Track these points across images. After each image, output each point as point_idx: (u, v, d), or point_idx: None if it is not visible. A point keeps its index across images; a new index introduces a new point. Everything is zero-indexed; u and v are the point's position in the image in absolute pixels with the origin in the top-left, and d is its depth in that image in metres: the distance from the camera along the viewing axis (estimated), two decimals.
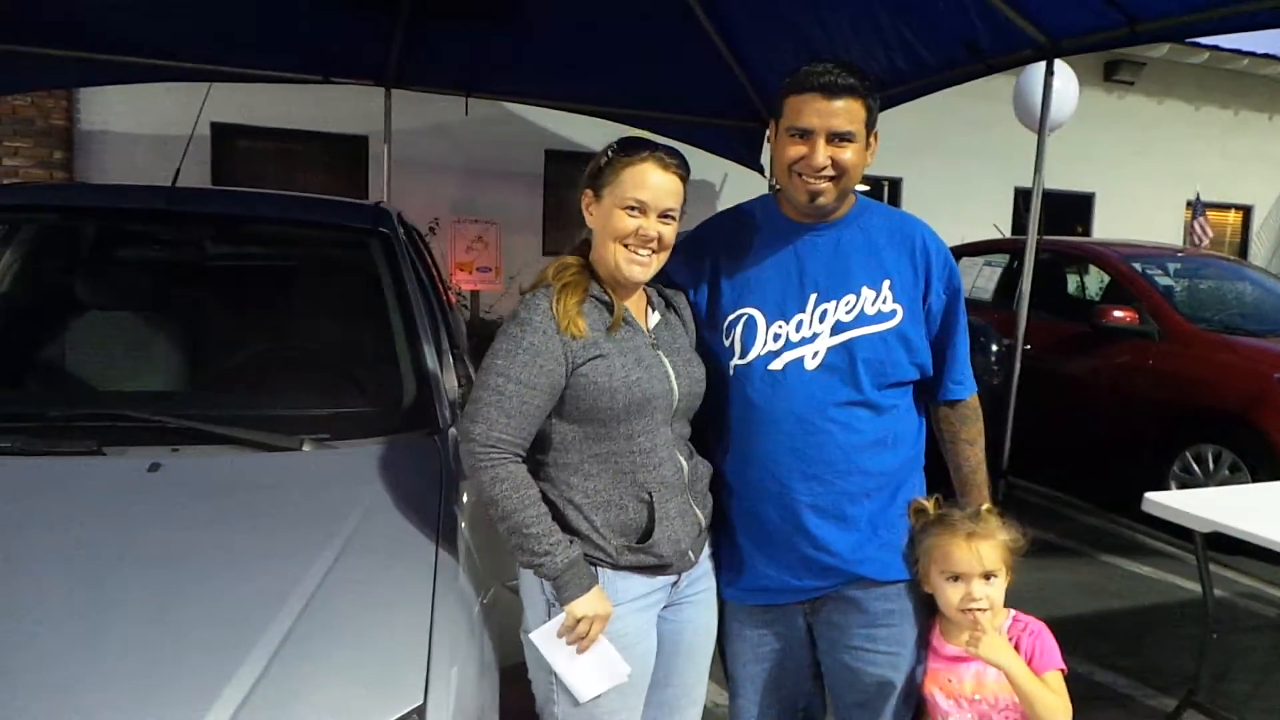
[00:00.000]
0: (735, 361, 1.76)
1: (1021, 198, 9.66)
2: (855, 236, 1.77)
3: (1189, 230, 9.87)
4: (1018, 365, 4.62)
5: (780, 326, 1.74)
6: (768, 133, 1.77)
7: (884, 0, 4.67)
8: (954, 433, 1.86)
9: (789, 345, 1.72)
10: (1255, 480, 4.28)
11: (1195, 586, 2.77)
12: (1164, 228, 10.32)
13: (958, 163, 9.77)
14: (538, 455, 1.65)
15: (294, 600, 1.48)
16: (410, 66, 5.90)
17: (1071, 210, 10.69)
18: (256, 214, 2.76)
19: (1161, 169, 11.07)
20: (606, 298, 1.65)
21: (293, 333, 2.47)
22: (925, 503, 1.75)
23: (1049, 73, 4.57)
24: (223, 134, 7.57)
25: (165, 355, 2.36)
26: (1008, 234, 8.68)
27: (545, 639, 1.61)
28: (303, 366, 2.33)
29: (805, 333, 1.72)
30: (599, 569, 1.62)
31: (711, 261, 1.83)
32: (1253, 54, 11.05)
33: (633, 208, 1.61)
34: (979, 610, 1.65)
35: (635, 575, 1.65)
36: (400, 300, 2.38)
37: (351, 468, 1.90)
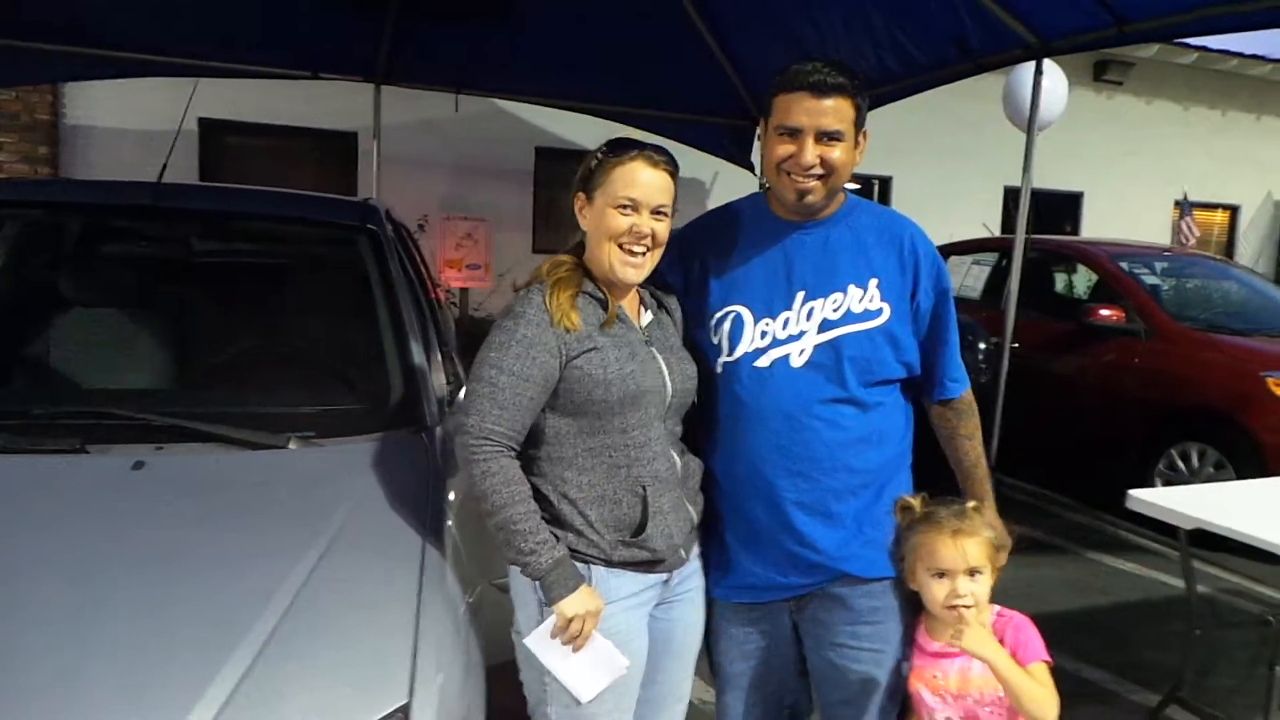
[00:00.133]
0: (723, 359, 1.76)
1: (1011, 197, 9.69)
2: (843, 235, 1.78)
3: (1175, 230, 9.93)
4: (1006, 363, 4.64)
5: (768, 324, 1.74)
6: (758, 131, 1.77)
7: (878, 3, 4.67)
8: (952, 429, 1.87)
9: (776, 343, 1.73)
10: (1240, 478, 4.31)
11: (1180, 583, 2.79)
12: (1152, 227, 10.38)
13: (947, 162, 9.80)
14: (530, 450, 1.65)
15: (279, 599, 1.47)
16: (400, 62, 5.87)
17: (1060, 209, 10.74)
18: (243, 210, 2.74)
19: (1150, 169, 11.13)
20: (600, 294, 1.66)
21: (279, 330, 2.46)
22: (911, 500, 1.75)
23: (1038, 72, 4.58)
24: (211, 130, 7.53)
25: (150, 352, 2.35)
26: (997, 233, 8.70)
27: (539, 642, 1.60)
28: (289, 364, 2.32)
29: (792, 330, 1.73)
30: (592, 567, 1.63)
31: (700, 259, 1.83)
32: (1241, 55, 11.12)
33: (625, 206, 1.62)
34: (964, 607, 1.66)
35: (628, 573, 1.65)
36: (388, 297, 2.38)
37: (338, 465, 1.89)
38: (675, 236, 1.75)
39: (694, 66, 5.93)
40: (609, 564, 1.63)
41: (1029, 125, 4.68)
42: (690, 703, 1.88)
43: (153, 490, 1.75)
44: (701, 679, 1.93)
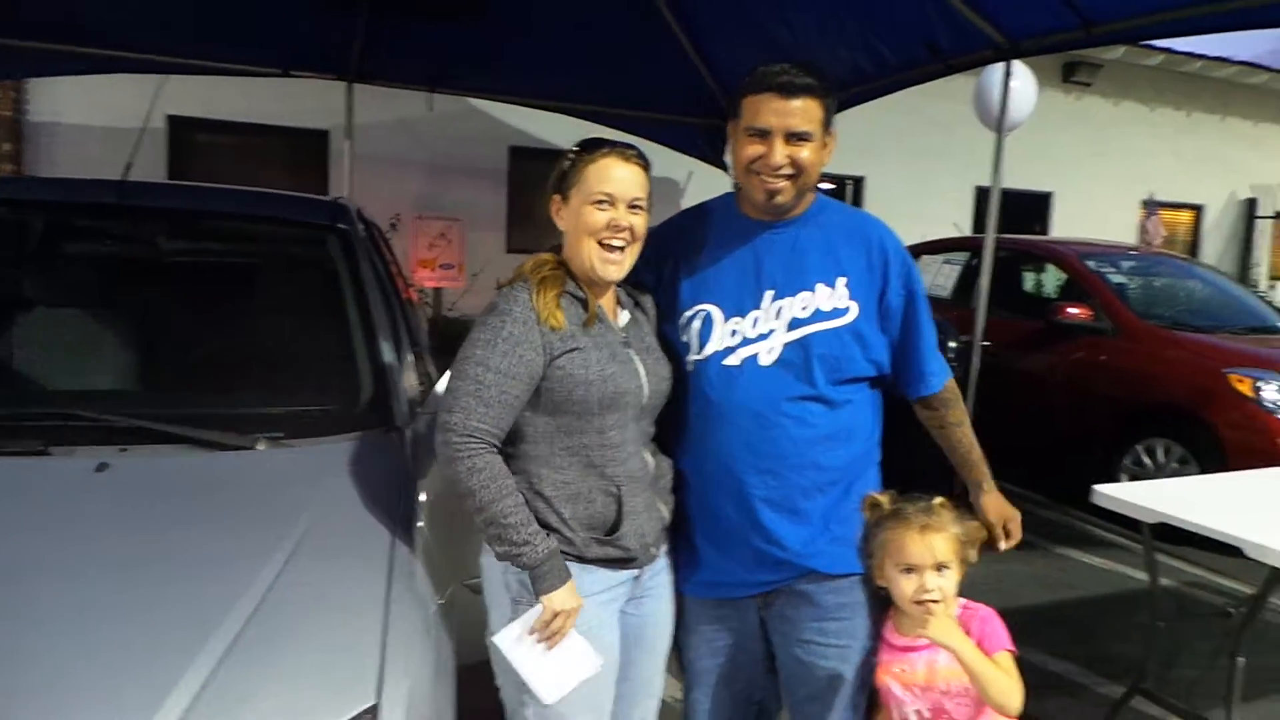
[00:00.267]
0: (692, 357, 1.78)
1: (981, 196, 9.80)
2: (813, 234, 1.80)
3: (1142, 229, 10.08)
4: (976, 361, 4.69)
5: (737, 323, 1.76)
6: (728, 131, 1.79)
7: (849, 1, 4.70)
8: (940, 419, 1.90)
9: (745, 341, 1.74)
10: (1203, 472, 4.39)
11: (1145, 577, 2.83)
12: (1120, 227, 10.53)
13: (919, 162, 9.89)
14: (507, 447, 1.65)
15: (245, 601, 1.46)
16: (373, 60, 5.82)
17: (1030, 209, 10.86)
18: (210, 209, 2.71)
19: (1118, 169, 11.30)
20: (581, 294, 1.68)
21: (247, 330, 2.43)
22: (879, 497, 1.77)
23: (1007, 73, 4.64)
24: (180, 127, 7.43)
25: (115, 353, 2.32)
26: (968, 232, 8.80)
27: (508, 640, 1.60)
28: (257, 364, 2.30)
29: (761, 329, 1.74)
30: (565, 562, 1.63)
31: (672, 258, 1.85)
32: (1205, 57, 11.31)
33: (602, 201, 1.64)
34: (932, 601, 1.68)
35: (600, 570, 1.67)
36: (358, 297, 2.37)
37: (307, 466, 1.88)
38: (648, 235, 1.76)
39: (668, 66, 5.94)
40: (582, 561, 1.64)
41: (998, 126, 4.74)
42: (663, 700, 1.88)
43: (116, 493, 1.73)
44: (674, 677, 1.94)
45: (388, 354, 2.23)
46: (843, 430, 1.77)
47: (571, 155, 1.69)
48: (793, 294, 1.75)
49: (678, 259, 1.84)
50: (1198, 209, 12.43)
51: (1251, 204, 12.40)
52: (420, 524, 1.80)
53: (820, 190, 1.84)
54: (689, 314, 1.79)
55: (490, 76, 6.23)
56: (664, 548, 1.80)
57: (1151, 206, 10.03)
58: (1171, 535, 2.60)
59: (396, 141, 7.73)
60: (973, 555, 1.78)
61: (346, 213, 2.69)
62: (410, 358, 2.36)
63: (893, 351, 1.82)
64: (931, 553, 1.69)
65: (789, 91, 1.67)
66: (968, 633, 1.70)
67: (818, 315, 1.74)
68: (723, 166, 6.95)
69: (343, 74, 5.93)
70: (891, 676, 1.76)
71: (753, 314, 1.75)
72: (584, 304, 1.67)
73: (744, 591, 1.81)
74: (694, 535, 1.82)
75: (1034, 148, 9.31)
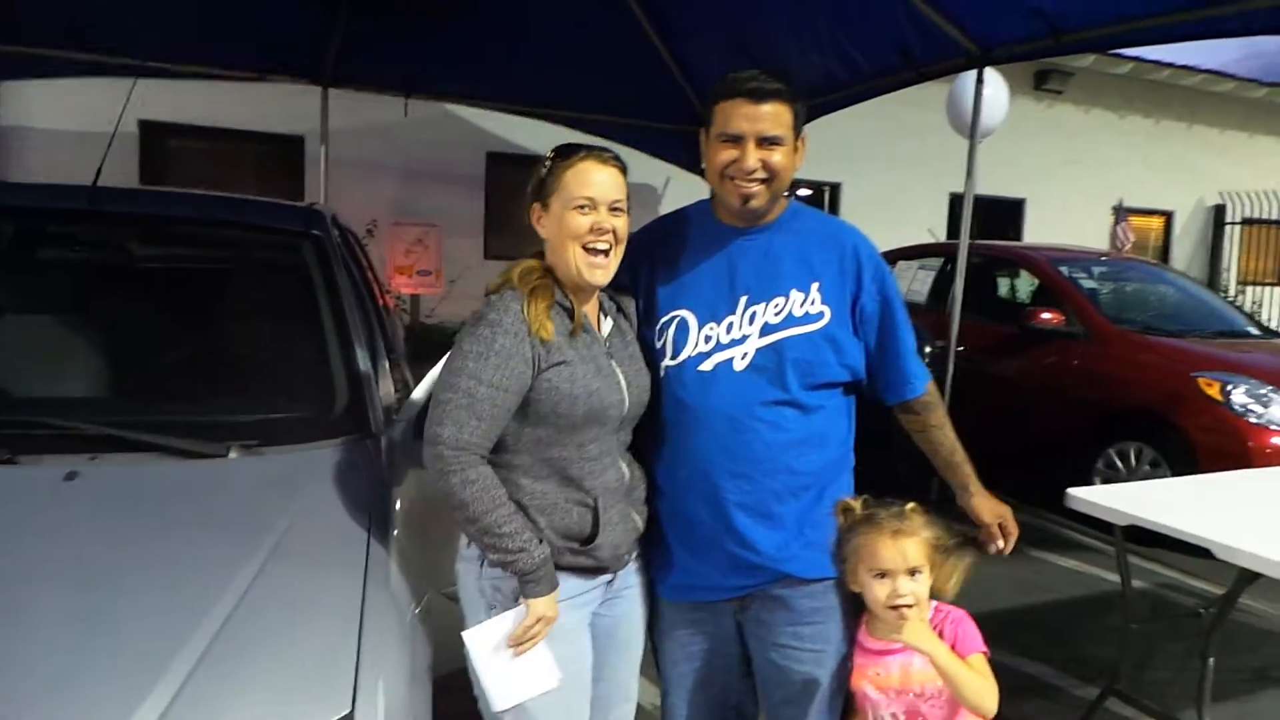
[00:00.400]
0: (667, 362, 1.78)
1: (956, 203, 9.90)
2: (786, 240, 1.81)
3: (1113, 235, 10.23)
4: (951, 366, 4.74)
5: (712, 328, 1.77)
6: (700, 140, 1.81)
7: (822, 8, 4.75)
8: (922, 423, 1.91)
9: (719, 347, 1.75)
10: (1174, 475, 4.45)
11: (1119, 579, 2.87)
12: (1092, 233, 10.68)
13: (895, 168, 9.98)
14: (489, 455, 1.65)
15: (218, 611, 1.44)
16: (348, 65, 5.80)
17: (1003, 215, 10.99)
18: (183, 215, 2.68)
19: (1089, 176, 11.46)
20: (567, 303, 1.68)
21: (220, 337, 2.41)
22: (852, 502, 1.78)
23: (979, 81, 4.70)
24: (151, 132, 7.36)
25: (86, 360, 2.28)
26: (942, 238, 8.89)
27: (477, 638, 1.61)
28: (231, 372, 2.27)
29: (735, 334, 1.75)
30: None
31: (649, 264, 1.85)
32: (1172, 65, 11.52)
33: (583, 205, 1.64)
34: (905, 606, 1.69)
35: (573, 577, 1.67)
36: (333, 304, 2.35)
37: (280, 475, 1.86)
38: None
39: (645, 72, 5.96)
40: (556, 567, 1.64)
41: (971, 133, 4.80)
42: (642, 706, 1.88)
43: (86, 502, 1.70)
44: (651, 683, 1.94)
45: (363, 361, 2.21)
46: (816, 435, 1.78)
47: (548, 161, 1.69)
48: (766, 299, 1.76)
49: (654, 265, 1.85)
50: (1168, 215, 12.63)
51: (1219, 210, 12.62)
52: (396, 532, 1.78)
53: (797, 196, 1.85)
54: (665, 319, 1.80)
55: (466, 82, 6.22)
56: (635, 552, 1.81)
57: (1120, 213, 10.17)
58: (1144, 537, 2.63)
59: (373, 147, 7.69)
60: (954, 561, 1.78)
61: (321, 219, 2.67)
62: (386, 365, 2.35)
63: (871, 357, 1.83)
64: (904, 557, 1.70)
65: (759, 97, 1.68)
66: (941, 635, 1.72)
67: (790, 320, 1.75)
68: (700, 172, 6.95)
69: (318, 79, 5.90)
70: (867, 680, 1.77)
71: (727, 319, 1.76)
72: (570, 314, 1.67)
73: (719, 595, 1.82)
74: (669, 539, 1.82)
75: (1007, 155, 9.44)
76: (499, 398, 1.56)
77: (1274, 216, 11.59)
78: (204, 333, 2.41)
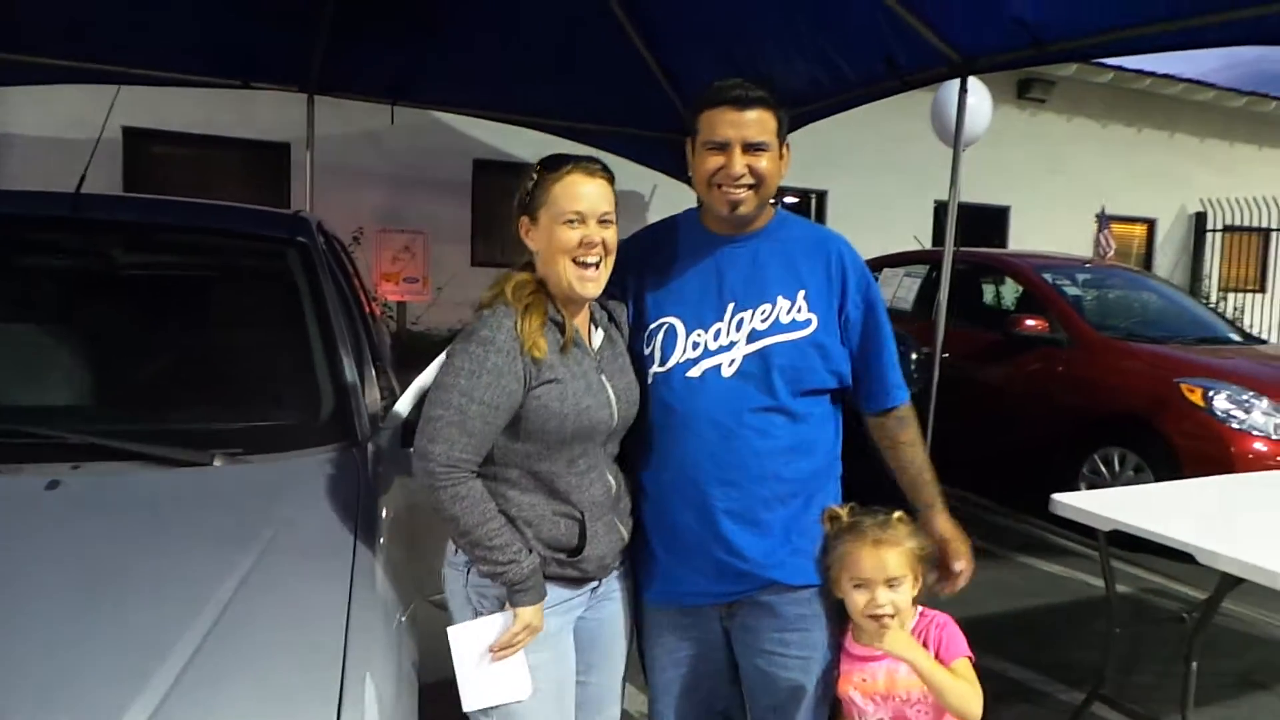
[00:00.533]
0: (655, 369, 1.79)
1: (941, 210, 9.96)
2: (773, 248, 1.82)
3: (1096, 243, 10.32)
4: (936, 373, 4.76)
5: (699, 335, 1.77)
6: (686, 150, 1.82)
7: (806, 16, 4.78)
8: (893, 438, 1.89)
9: (707, 353, 1.76)
10: (1157, 480, 4.48)
11: (1104, 584, 2.88)
12: (1075, 240, 10.77)
13: (880, 176, 10.05)
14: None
15: (202, 620, 1.43)
16: (334, 72, 5.78)
17: (988, 223, 11.08)
18: (167, 222, 2.67)
19: (1072, 184, 11.57)
20: (559, 317, 1.68)
21: (205, 345, 2.39)
22: (839, 510, 1.78)
23: (963, 89, 4.74)
24: (135, 139, 7.33)
25: (69, 368, 2.26)
26: (928, 245, 8.94)
27: (460, 635, 1.63)
28: (215, 379, 2.26)
29: (723, 341, 1.76)
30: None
31: (637, 272, 1.86)
32: (1154, 74, 11.65)
33: (571, 220, 1.64)
34: (884, 615, 1.69)
35: (558, 586, 1.68)
36: (318, 311, 2.34)
37: (265, 483, 1.85)
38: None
39: (631, 80, 5.97)
40: (543, 576, 1.64)
41: (955, 141, 4.83)
42: (630, 714, 1.88)
43: (67, 511, 1.69)
44: (639, 689, 1.94)
45: (349, 369, 2.20)
46: (804, 442, 1.78)
47: (535, 174, 1.68)
48: (753, 306, 1.77)
49: (643, 273, 1.86)
50: (1150, 222, 12.76)
51: (1201, 217, 12.76)
52: (381, 539, 1.78)
53: (783, 203, 1.86)
54: (653, 326, 1.81)
55: (453, 89, 6.22)
56: (621, 560, 1.82)
57: (1103, 220, 10.27)
58: (1128, 542, 2.65)
59: (359, 154, 7.68)
60: (928, 580, 1.78)
61: (307, 226, 2.66)
62: (372, 372, 2.34)
63: (854, 364, 1.84)
64: (882, 568, 1.69)
65: (743, 104, 1.70)
66: (925, 640, 1.72)
67: (776, 327, 1.76)
68: (687, 180, 6.99)
69: (303, 86, 5.88)
70: (853, 686, 1.77)
71: (715, 326, 1.77)
72: (561, 328, 1.67)
73: (706, 600, 1.82)
74: (654, 545, 1.82)
75: (991, 163, 9.52)
76: (490, 414, 1.57)
77: (1254, 224, 11.72)
78: (188, 340, 2.40)
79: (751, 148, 1.71)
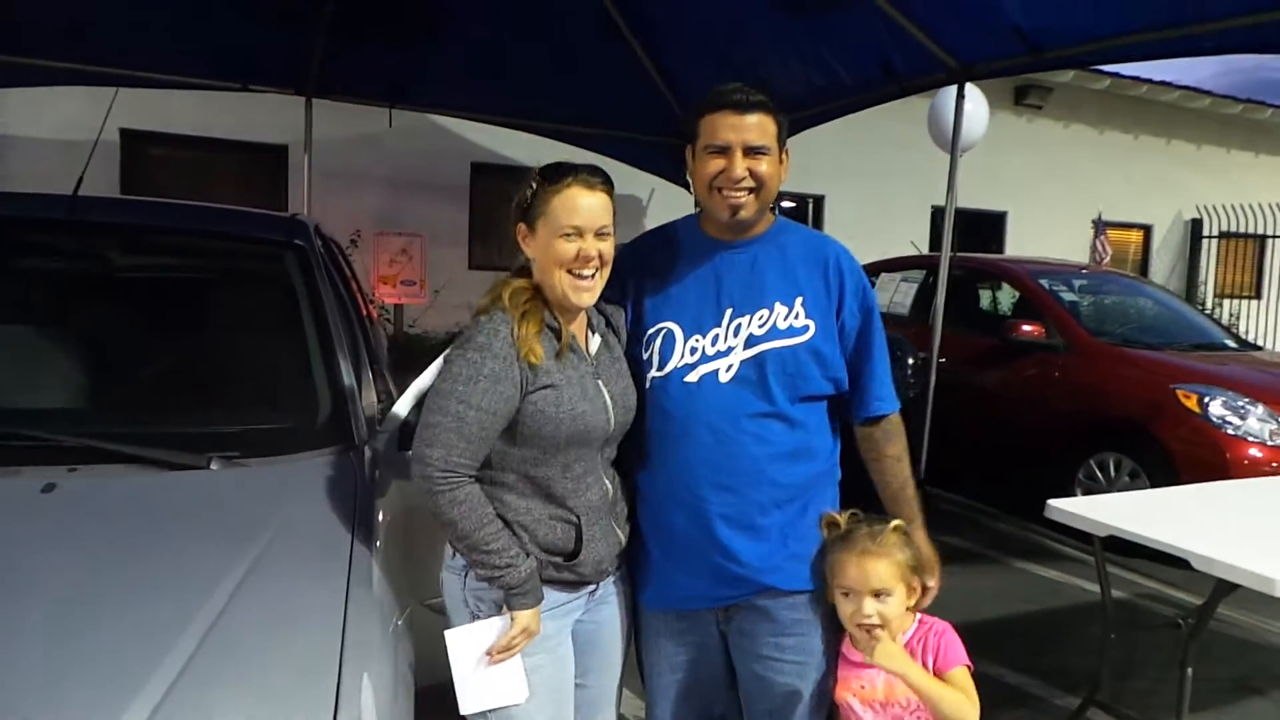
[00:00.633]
0: (653, 374, 1.79)
1: (938, 216, 9.98)
2: (772, 254, 1.82)
3: (1092, 249, 10.34)
4: (933, 378, 4.77)
5: (697, 340, 1.78)
6: (686, 155, 1.82)
7: (804, 22, 4.79)
8: (879, 450, 1.87)
9: (705, 358, 1.76)
10: (1153, 485, 4.49)
11: (1099, 589, 2.89)
12: (1073, 246, 10.80)
13: (878, 182, 10.06)
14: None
15: (198, 623, 1.43)
16: (332, 76, 5.79)
17: (985, 228, 11.10)
18: (164, 224, 2.67)
19: (1069, 190, 11.59)
20: (555, 324, 1.68)
21: (201, 348, 2.39)
22: (837, 517, 1.78)
23: (960, 96, 4.76)
24: (133, 141, 7.32)
25: (66, 371, 2.26)
26: (925, 251, 8.96)
27: (458, 637, 1.64)
28: (212, 382, 2.26)
29: (720, 346, 1.76)
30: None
31: (636, 278, 1.87)
32: (1150, 81, 11.69)
33: (569, 234, 1.64)
34: (871, 625, 1.69)
35: (555, 590, 1.69)
36: (315, 314, 2.33)
37: (262, 486, 1.85)
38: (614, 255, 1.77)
39: (630, 84, 5.99)
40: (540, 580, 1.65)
41: (952, 147, 4.85)
42: (623, 716, 1.88)
43: (64, 513, 1.68)
44: (636, 694, 1.94)
45: (346, 372, 2.20)
46: (802, 448, 1.78)
47: (534, 183, 1.68)
48: (751, 311, 1.77)
49: (642, 278, 1.86)
50: (1146, 229, 12.79)
51: (1197, 224, 12.79)
52: (378, 543, 1.78)
53: (782, 209, 1.87)
54: (651, 331, 1.81)
55: (451, 93, 6.23)
56: (618, 564, 1.82)
57: (1099, 226, 10.29)
58: (1124, 548, 2.65)
59: (357, 157, 7.68)
60: (927, 579, 1.77)
61: (304, 229, 2.66)
62: (369, 375, 2.34)
63: (849, 370, 1.84)
64: (867, 579, 1.69)
65: (743, 108, 1.71)
66: (924, 648, 1.72)
67: (774, 333, 1.76)
68: (685, 185, 7.01)
69: (301, 89, 5.89)
70: (851, 692, 1.77)
71: (713, 331, 1.77)
72: (557, 334, 1.68)
73: (703, 604, 1.82)
74: (651, 549, 1.83)
75: (989, 169, 9.54)
76: (487, 420, 1.58)
77: (1250, 230, 11.75)
78: (185, 343, 2.39)
79: (752, 151, 1.71)
